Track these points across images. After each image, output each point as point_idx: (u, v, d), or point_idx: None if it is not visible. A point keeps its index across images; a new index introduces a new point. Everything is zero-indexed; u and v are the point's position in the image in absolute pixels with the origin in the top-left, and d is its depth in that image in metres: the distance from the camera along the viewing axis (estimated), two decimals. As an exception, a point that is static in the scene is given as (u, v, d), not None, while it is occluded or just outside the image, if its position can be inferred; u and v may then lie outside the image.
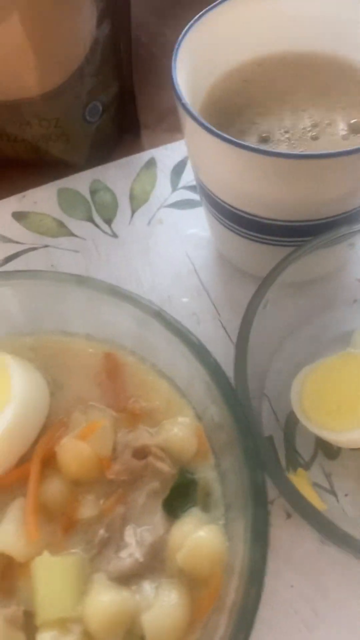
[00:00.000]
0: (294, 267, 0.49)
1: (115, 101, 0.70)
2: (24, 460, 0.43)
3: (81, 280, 0.44)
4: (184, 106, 0.46)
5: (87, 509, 0.41)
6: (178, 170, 0.71)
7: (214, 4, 0.50)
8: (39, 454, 0.42)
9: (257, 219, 0.50)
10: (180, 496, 0.41)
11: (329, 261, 0.56)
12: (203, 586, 0.39)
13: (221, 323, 0.59)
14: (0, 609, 0.38)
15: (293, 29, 0.53)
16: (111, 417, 0.44)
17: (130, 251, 0.65)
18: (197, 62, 0.50)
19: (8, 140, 0.67)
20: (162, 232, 0.67)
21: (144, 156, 0.72)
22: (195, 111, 0.46)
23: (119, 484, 0.42)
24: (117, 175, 0.71)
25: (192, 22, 0.49)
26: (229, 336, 0.58)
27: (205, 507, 0.42)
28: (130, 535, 0.40)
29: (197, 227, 0.66)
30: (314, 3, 0.52)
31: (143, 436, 0.43)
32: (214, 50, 0.51)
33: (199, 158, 0.51)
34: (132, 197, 0.69)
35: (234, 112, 0.52)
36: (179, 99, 0.46)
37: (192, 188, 0.69)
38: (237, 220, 0.52)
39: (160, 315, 0.42)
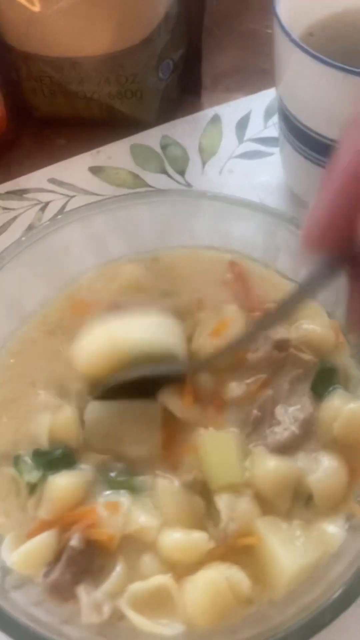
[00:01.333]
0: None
1: (182, 60, 0.74)
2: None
3: (213, 196, 0.48)
4: (292, 40, 0.50)
5: (233, 389, 0.46)
6: (242, 124, 0.75)
7: None
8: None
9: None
10: (324, 380, 0.46)
11: None
12: (356, 452, 0.43)
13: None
14: (178, 477, 0.42)
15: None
16: (243, 315, 0.48)
17: (205, 199, 0.69)
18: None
19: (84, 98, 0.71)
20: (234, 180, 0.71)
21: (208, 113, 0.76)
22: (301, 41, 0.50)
23: (261, 370, 0.46)
24: (184, 131, 0.75)
25: None
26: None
27: (347, 389, 0.46)
28: (281, 414, 0.44)
29: (267, 174, 0.71)
30: None
31: (281, 331, 0.47)
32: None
33: (296, 89, 0.55)
34: (201, 150, 0.73)
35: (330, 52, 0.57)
36: (284, 30, 0.51)
37: (258, 140, 0.74)
38: (330, 153, 0.57)
39: (293, 220, 0.46)
